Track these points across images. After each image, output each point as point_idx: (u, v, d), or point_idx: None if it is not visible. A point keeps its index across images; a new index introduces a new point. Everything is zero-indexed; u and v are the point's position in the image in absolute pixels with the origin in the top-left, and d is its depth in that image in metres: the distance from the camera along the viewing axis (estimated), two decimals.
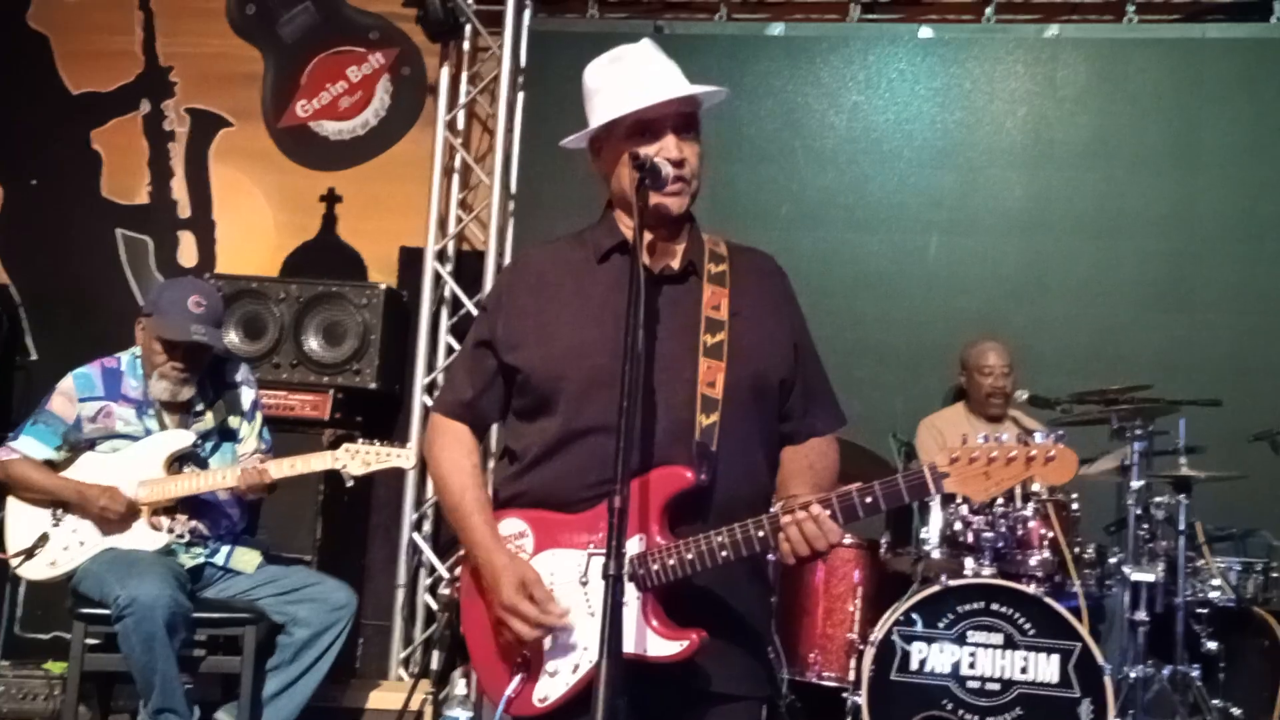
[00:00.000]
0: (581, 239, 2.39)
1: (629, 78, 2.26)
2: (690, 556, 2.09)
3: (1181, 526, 4.56)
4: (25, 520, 3.93)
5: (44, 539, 3.89)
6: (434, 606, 5.68)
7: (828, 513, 2.06)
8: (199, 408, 4.07)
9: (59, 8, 6.40)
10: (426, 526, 5.75)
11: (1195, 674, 4.49)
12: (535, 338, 2.28)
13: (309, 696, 4.00)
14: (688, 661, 2.10)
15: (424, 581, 5.74)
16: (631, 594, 2.10)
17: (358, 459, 3.88)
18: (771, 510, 2.13)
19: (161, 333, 3.94)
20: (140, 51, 6.33)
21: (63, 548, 3.90)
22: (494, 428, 2.58)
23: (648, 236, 2.28)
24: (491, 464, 3.89)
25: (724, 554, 2.09)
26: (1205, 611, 4.67)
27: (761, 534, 2.08)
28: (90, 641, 3.85)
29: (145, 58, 6.33)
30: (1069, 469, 2.03)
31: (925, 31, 5.85)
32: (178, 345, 3.95)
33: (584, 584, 2.15)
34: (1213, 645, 4.63)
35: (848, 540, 4.70)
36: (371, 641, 5.69)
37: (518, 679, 2.18)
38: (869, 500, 2.07)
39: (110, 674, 3.95)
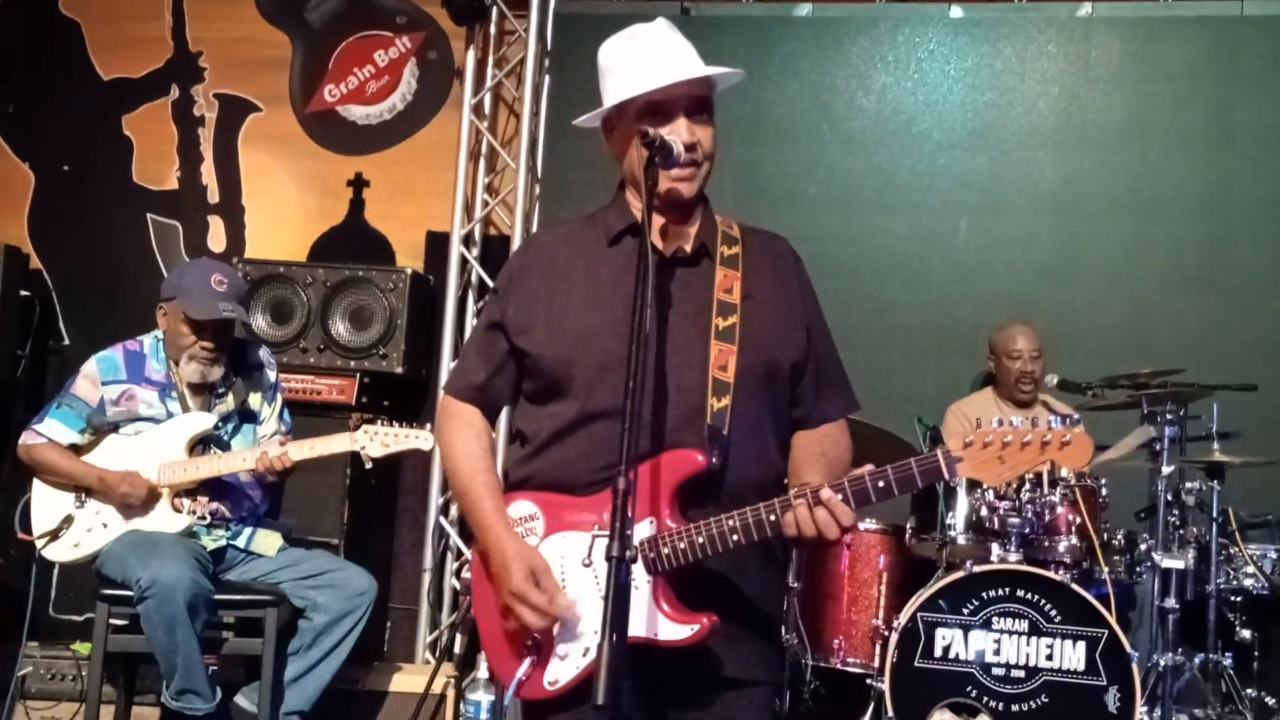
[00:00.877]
0: (593, 221, 2.37)
1: (642, 58, 2.23)
2: (701, 540, 2.07)
3: (1214, 513, 4.50)
4: (50, 502, 3.97)
5: (68, 521, 3.93)
6: (460, 590, 5.68)
7: (839, 497, 2.03)
8: (220, 389, 4.09)
9: None
10: (453, 511, 5.74)
11: (1228, 662, 4.44)
12: (545, 321, 2.26)
13: (329, 680, 4.03)
14: (699, 646, 2.08)
15: (451, 565, 5.75)
16: (643, 578, 2.09)
17: (376, 440, 3.89)
18: (785, 496, 2.10)
19: (190, 313, 3.95)
20: (169, 37, 6.36)
21: (86, 530, 3.93)
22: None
23: (659, 219, 2.27)
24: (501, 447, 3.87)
25: (735, 538, 2.06)
26: (1239, 600, 4.62)
27: (773, 518, 2.06)
28: (116, 622, 3.88)
29: (174, 43, 6.36)
30: (1084, 454, 2.00)
31: (955, 11, 5.78)
32: (206, 325, 3.97)
33: (587, 566, 2.13)
34: (1246, 634, 4.58)
35: (873, 525, 4.68)
36: (399, 625, 5.71)
37: (528, 662, 2.16)
38: (881, 484, 2.04)
39: (135, 655, 3.97)
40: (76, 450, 3.99)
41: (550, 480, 2.23)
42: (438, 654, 5.47)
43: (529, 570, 2.13)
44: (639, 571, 2.08)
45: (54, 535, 3.92)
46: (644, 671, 2.04)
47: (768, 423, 2.26)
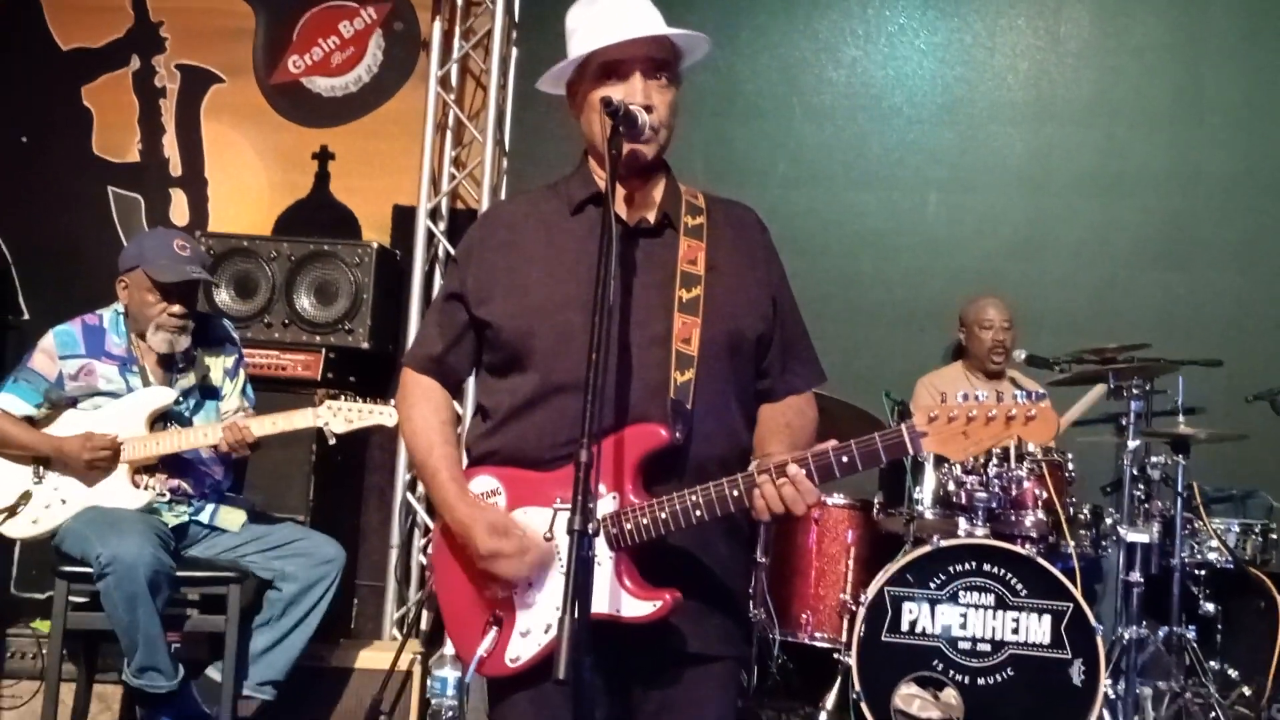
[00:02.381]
0: (555, 190, 2.33)
1: (603, 18, 2.20)
2: (664, 516, 2.05)
3: (1179, 487, 4.53)
4: (7, 479, 3.90)
5: (26, 497, 3.87)
6: (427, 567, 5.66)
7: (804, 472, 2.01)
8: (181, 364, 4.03)
9: None
10: (420, 487, 5.71)
11: (1191, 635, 4.48)
12: (505, 291, 2.22)
13: (300, 651, 4.00)
14: (662, 622, 2.06)
15: (418, 542, 5.72)
16: (605, 554, 2.07)
17: (340, 416, 3.85)
18: (748, 470, 2.08)
19: (157, 277, 3.88)
20: (130, 7, 6.24)
21: (44, 506, 3.88)
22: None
23: (622, 188, 2.23)
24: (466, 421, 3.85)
25: (698, 513, 2.04)
26: (1203, 573, 4.65)
27: (736, 493, 2.04)
28: (76, 600, 3.83)
29: (135, 13, 6.24)
30: (1049, 429, 1.98)
31: None
32: (174, 289, 3.90)
33: (549, 540, 2.10)
34: (1210, 607, 4.62)
35: (841, 500, 4.68)
36: (366, 602, 5.68)
37: (489, 639, 2.14)
38: (845, 460, 2.01)
39: (96, 632, 3.92)
40: (33, 424, 3.92)
41: (512, 455, 2.20)
42: (404, 630, 5.46)
43: (490, 527, 2.10)
44: (602, 547, 2.05)
45: (11, 512, 3.86)
46: (607, 648, 2.02)
47: (732, 396, 2.23)
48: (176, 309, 3.92)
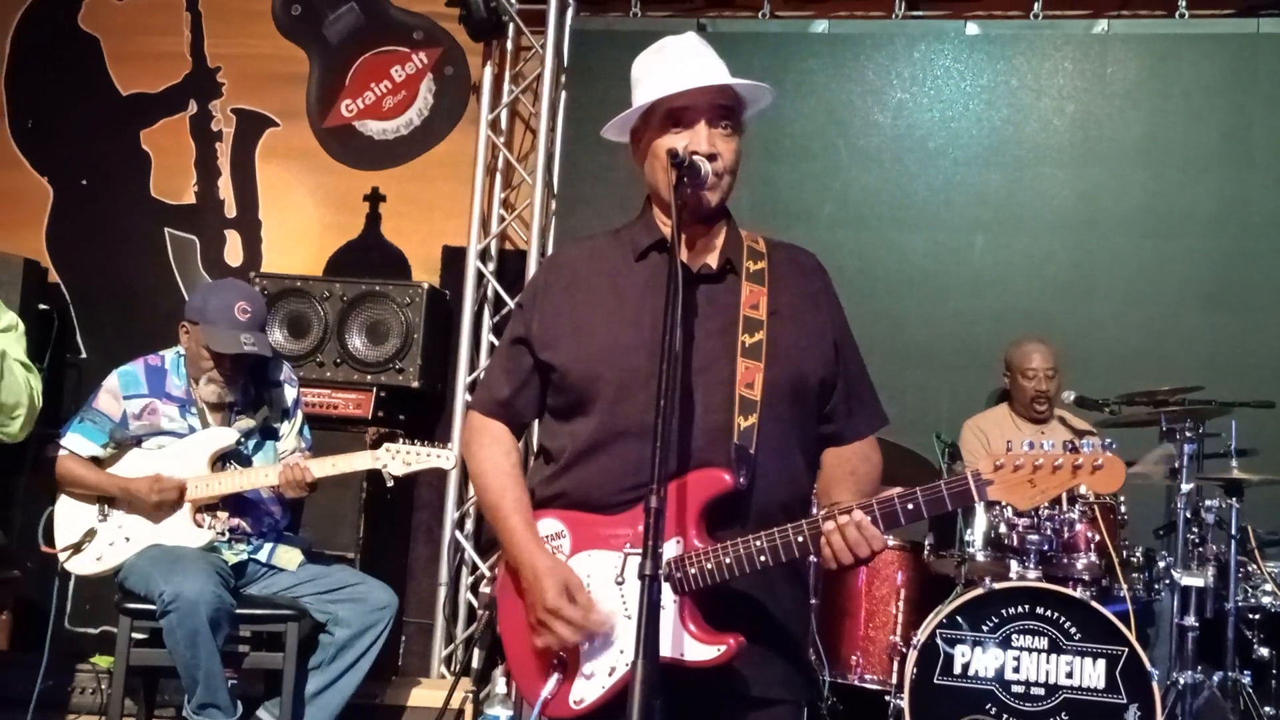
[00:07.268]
0: (619, 236, 2.37)
1: (668, 67, 2.24)
2: (729, 561, 2.07)
3: (1233, 531, 4.48)
4: (73, 516, 3.98)
5: (91, 534, 3.94)
6: (476, 605, 5.69)
7: (869, 519, 2.03)
8: (241, 406, 4.10)
9: (109, 10, 6.50)
10: (469, 525, 5.76)
11: (1246, 680, 4.42)
12: (570, 336, 2.26)
13: (350, 695, 4.02)
14: (725, 665, 2.08)
15: (466, 580, 5.76)
16: (669, 597, 2.08)
17: (398, 459, 3.90)
18: (812, 516, 2.10)
19: (211, 344, 3.97)
20: (188, 53, 6.41)
21: (109, 543, 3.94)
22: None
23: (684, 233, 2.26)
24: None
25: (763, 559, 2.06)
26: (1257, 617, 4.60)
27: (801, 539, 2.06)
28: (136, 636, 3.89)
29: (193, 59, 6.41)
30: (1117, 478, 1.99)
31: (971, 28, 5.78)
32: (226, 355, 3.99)
33: (620, 584, 2.13)
34: (1265, 651, 4.56)
35: (891, 542, 4.66)
36: (414, 640, 5.72)
37: (554, 680, 2.16)
38: (911, 507, 2.04)
39: (156, 668, 3.98)
40: (99, 464, 4.00)
41: (577, 499, 2.23)
42: (453, 668, 5.48)
43: (562, 585, 2.13)
44: (666, 591, 2.06)
45: (77, 548, 3.93)
46: (669, 691, 2.01)
47: (795, 441, 2.25)
48: (226, 370, 4.00)
